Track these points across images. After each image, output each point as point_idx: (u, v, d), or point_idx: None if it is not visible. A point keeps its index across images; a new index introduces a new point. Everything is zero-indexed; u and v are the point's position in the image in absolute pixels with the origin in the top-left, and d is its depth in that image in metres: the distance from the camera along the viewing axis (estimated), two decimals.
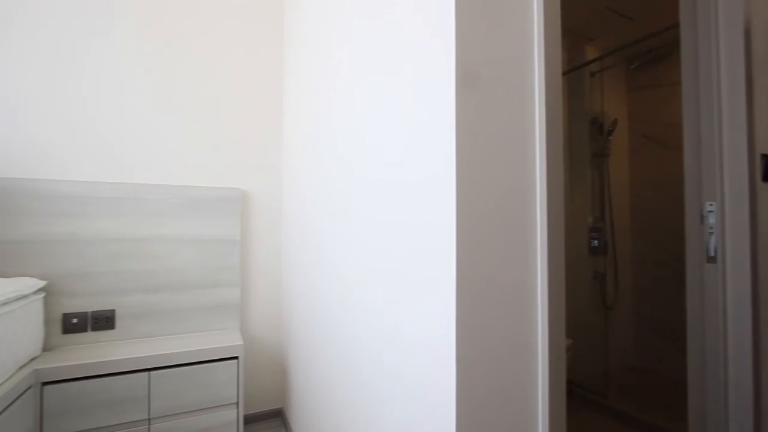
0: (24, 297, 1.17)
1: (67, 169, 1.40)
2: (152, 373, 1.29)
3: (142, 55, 1.52)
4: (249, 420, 1.66)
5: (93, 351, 1.31)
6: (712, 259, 1.00)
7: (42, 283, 1.27)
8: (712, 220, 1.00)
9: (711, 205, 1.01)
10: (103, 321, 1.40)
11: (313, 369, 1.26)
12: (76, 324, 1.36)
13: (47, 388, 1.17)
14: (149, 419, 1.29)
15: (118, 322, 1.43)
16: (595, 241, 2.21)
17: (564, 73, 2.18)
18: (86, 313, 1.38)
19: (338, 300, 1.03)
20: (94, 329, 1.39)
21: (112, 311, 1.42)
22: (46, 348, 1.33)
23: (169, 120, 1.55)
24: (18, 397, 1.06)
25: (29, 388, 1.13)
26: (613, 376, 2.18)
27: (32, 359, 1.22)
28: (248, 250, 1.69)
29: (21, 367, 1.15)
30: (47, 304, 1.33)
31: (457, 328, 0.55)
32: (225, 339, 1.46)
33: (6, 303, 1.07)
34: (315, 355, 1.23)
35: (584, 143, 2.22)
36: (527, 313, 0.60)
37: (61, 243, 1.36)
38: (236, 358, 1.41)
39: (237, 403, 1.41)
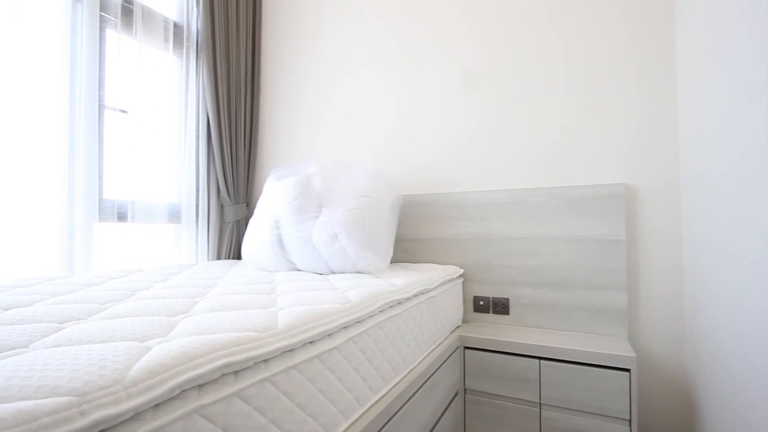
0: (451, 280, 1.59)
1: (473, 183, 1.79)
2: (542, 361, 1.40)
3: (524, 72, 1.71)
4: None
5: (494, 330, 1.59)
6: None
7: (460, 271, 1.68)
8: None
9: None
10: (501, 306, 1.67)
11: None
12: (482, 305, 1.71)
13: (467, 351, 1.52)
14: (540, 403, 1.40)
15: (511, 310, 1.66)
16: None
17: None
18: (489, 297, 1.70)
19: None
20: (494, 312, 1.69)
21: (507, 299, 1.67)
22: (464, 321, 1.74)
23: (547, 125, 1.65)
24: (452, 354, 1.45)
25: (457, 348, 1.51)
26: None
27: (457, 327, 1.63)
28: (635, 250, 1.51)
29: (452, 331, 1.56)
30: (464, 287, 1.75)
31: None
32: (612, 346, 1.37)
33: (443, 283, 1.49)
34: None
35: None
36: None
37: (469, 240, 1.75)
38: (627, 370, 1.28)
39: (629, 420, 1.28)
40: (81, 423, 0.38)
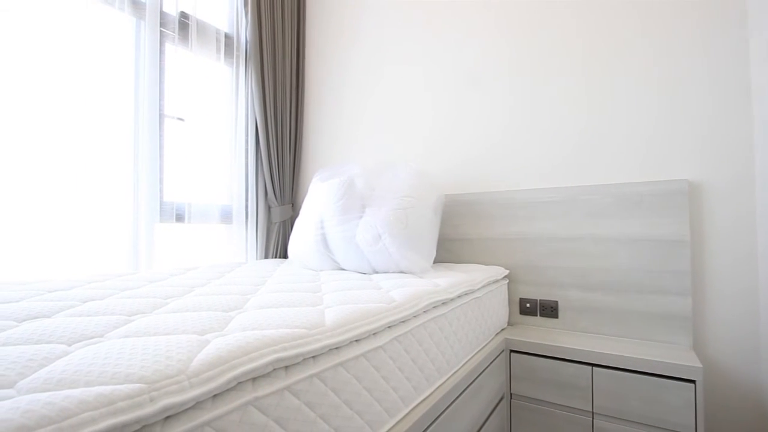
0: (496, 281, 1.55)
1: (518, 181, 1.73)
2: (595, 368, 1.33)
3: (572, 67, 1.63)
4: None
5: (542, 334, 1.53)
6: None
7: (506, 272, 1.63)
8: None
9: None
10: (549, 309, 1.60)
11: None
12: (528, 308, 1.65)
13: (513, 355, 1.48)
14: (593, 413, 1.33)
15: (560, 313, 1.59)
16: None
17: None
18: (536, 300, 1.64)
19: None
20: (542, 315, 1.62)
21: (555, 302, 1.60)
22: (510, 323, 1.69)
23: (597, 118, 1.57)
24: (497, 357, 1.41)
25: (502, 351, 1.47)
26: None
27: (502, 330, 1.59)
28: (701, 252, 1.39)
29: (497, 334, 1.52)
30: (509, 288, 1.70)
31: None
32: (674, 355, 1.27)
33: (488, 284, 1.45)
34: None
35: None
36: None
37: (515, 241, 1.69)
38: (693, 382, 1.18)
39: None
40: (150, 409, 0.41)
